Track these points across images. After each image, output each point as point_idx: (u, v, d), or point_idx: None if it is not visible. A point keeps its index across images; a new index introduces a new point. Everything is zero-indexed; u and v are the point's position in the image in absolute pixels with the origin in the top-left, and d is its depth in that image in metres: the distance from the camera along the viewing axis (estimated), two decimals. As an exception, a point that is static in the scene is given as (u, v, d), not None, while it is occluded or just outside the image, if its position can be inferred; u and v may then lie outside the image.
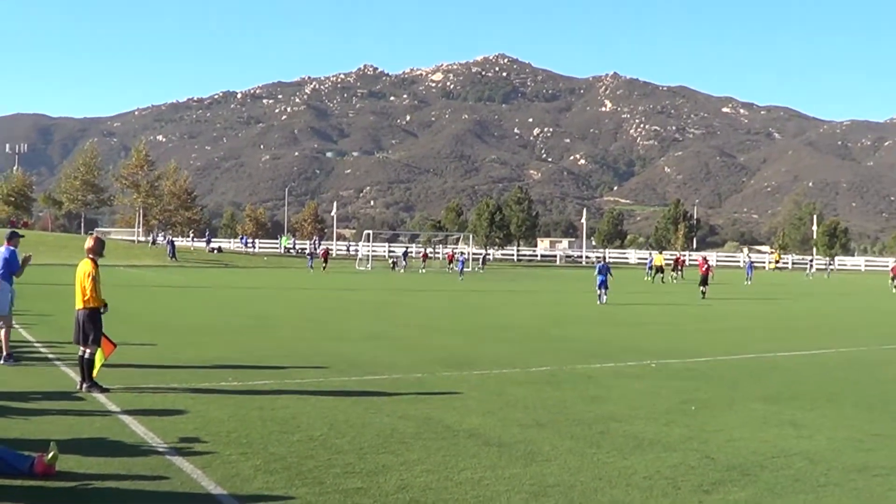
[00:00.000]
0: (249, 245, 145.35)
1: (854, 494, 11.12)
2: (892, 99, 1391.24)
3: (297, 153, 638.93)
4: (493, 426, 14.61)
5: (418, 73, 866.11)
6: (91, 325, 16.54)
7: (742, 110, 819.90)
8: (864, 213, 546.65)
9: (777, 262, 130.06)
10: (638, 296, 59.72)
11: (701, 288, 55.66)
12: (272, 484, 10.77)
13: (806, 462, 12.73)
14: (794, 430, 15.07)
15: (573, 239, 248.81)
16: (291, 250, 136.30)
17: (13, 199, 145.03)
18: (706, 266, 57.95)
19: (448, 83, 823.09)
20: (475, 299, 52.19)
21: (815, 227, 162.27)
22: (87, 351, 16.50)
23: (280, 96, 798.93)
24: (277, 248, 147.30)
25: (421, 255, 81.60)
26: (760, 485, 11.38)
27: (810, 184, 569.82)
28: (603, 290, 47.71)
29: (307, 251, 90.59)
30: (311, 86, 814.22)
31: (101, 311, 16.77)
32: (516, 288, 64.57)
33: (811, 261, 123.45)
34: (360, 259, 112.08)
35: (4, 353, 20.37)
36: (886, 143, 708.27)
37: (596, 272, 48.86)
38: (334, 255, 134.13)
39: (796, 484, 11.51)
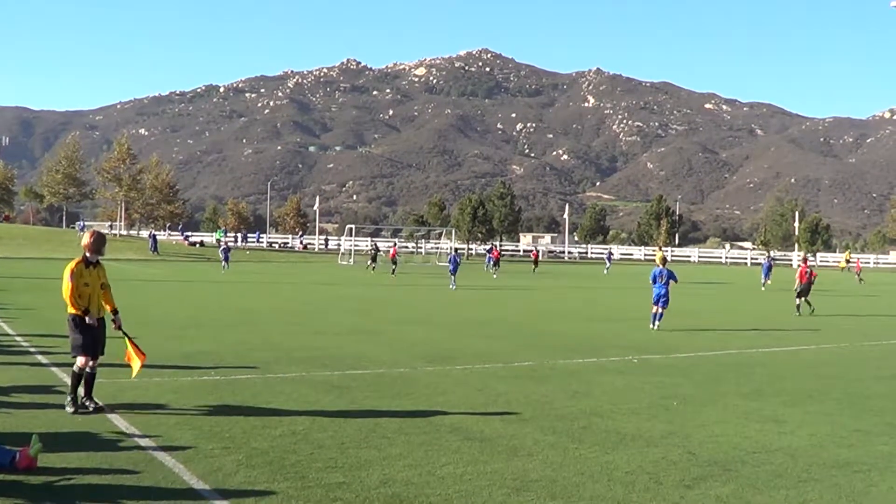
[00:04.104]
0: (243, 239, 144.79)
1: (835, 490, 11.15)
2: (874, 96, 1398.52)
3: (279, 147, 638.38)
4: (475, 421, 14.62)
5: (401, 67, 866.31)
6: (70, 332, 14.83)
7: (725, 106, 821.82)
8: (846, 209, 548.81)
9: (848, 261, 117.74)
10: (623, 291, 59.82)
11: (802, 300, 41.56)
12: (254, 478, 10.77)
13: (787, 457, 12.77)
14: (775, 425, 15.11)
15: (556, 234, 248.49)
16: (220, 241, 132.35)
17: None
18: (808, 271, 42.33)
19: (431, 78, 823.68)
20: (455, 294, 52.15)
21: (796, 224, 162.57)
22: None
23: (263, 90, 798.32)
24: (261, 242, 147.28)
25: (390, 253, 79.56)
26: (742, 480, 11.42)
27: (792, 180, 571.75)
28: (661, 307, 31.88)
29: (221, 247, 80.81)
30: (294, 80, 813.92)
31: (87, 319, 14.58)
32: (498, 283, 64.55)
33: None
34: (343, 254, 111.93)
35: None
36: (868, 140, 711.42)
37: (651, 281, 32.47)
38: (317, 249, 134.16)
39: (777, 479, 11.54)
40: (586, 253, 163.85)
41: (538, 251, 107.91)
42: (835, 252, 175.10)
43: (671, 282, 32.07)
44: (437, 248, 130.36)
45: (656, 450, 12.99)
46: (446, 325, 32.88)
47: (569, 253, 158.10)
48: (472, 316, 37.30)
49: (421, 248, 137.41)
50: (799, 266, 43.10)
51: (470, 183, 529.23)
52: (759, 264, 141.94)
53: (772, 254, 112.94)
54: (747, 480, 11.41)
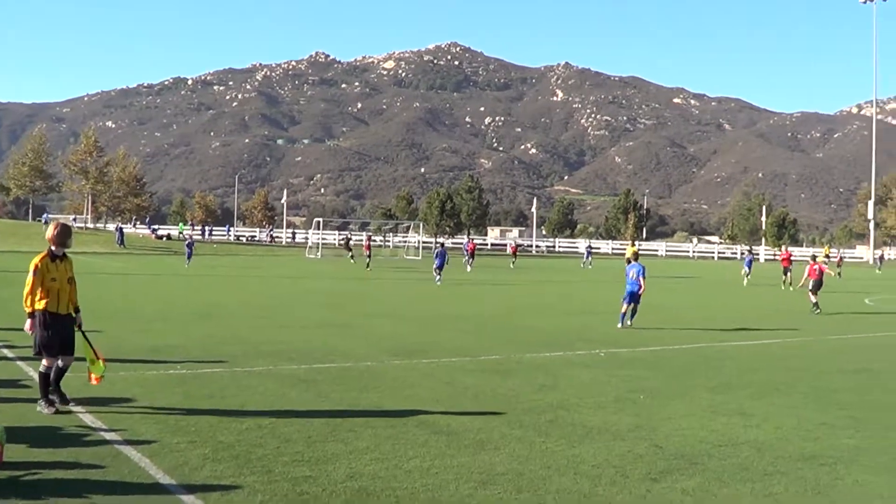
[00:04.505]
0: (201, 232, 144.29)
1: (801, 483, 11.20)
2: (842, 91, 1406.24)
3: (247, 140, 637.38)
4: (442, 415, 14.60)
5: (370, 60, 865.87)
6: (34, 329, 14.21)
7: (693, 101, 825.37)
8: (813, 204, 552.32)
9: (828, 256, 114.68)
10: (595, 285, 59.95)
11: (814, 298, 39.98)
12: (220, 472, 10.73)
13: (753, 451, 12.82)
14: (742, 419, 15.16)
15: (523, 228, 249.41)
16: (182, 236, 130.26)
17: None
18: (817, 266, 41.16)
19: (400, 71, 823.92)
20: (426, 288, 52.14)
21: (764, 218, 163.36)
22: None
23: (231, 83, 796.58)
24: (228, 235, 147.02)
25: (364, 245, 78.29)
26: (708, 473, 11.45)
27: (760, 175, 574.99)
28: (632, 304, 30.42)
29: (186, 242, 79.14)
30: (263, 73, 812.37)
31: (45, 317, 13.95)
32: (467, 277, 64.59)
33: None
34: (310, 247, 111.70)
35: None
36: (836, 136, 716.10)
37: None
38: (284, 242, 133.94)
39: (743, 472, 11.58)
40: (554, 247, 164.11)
41: (516, 245, 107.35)
42: (801, 246, 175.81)
43: (641, 279, 29.83)
44: (405, 241, 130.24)
45: (623, 443, 13.01)
46: (415, 318, 32.86)
47: (536, 247, 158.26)
48: (441, 310, 37.29)
49: (389, 241, 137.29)
50: (808, 263, 42.43)
51: (438, 176, 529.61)
52: (728, 258, 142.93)
53: (752, 248, 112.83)
54: (713, 474, 11.45)
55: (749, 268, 63.90)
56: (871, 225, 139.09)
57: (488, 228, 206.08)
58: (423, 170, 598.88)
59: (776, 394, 17.92)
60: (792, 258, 62.16)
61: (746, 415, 15.53)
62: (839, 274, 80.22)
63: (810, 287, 40.47)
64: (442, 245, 60.12)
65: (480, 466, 11.36)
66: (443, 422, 14.07)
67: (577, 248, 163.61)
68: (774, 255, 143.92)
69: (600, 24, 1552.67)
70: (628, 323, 30.04)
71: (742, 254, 78.01)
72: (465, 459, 11.70)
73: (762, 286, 59.16)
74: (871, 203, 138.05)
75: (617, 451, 12.46)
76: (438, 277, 54.28)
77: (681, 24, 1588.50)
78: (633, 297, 29.96)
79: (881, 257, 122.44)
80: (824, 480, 11.39)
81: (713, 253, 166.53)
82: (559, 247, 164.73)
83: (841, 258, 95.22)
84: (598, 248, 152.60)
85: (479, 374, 19.12)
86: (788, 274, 58.54)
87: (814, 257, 43.51)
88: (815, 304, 39.59)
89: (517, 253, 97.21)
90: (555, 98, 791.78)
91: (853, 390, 18.83)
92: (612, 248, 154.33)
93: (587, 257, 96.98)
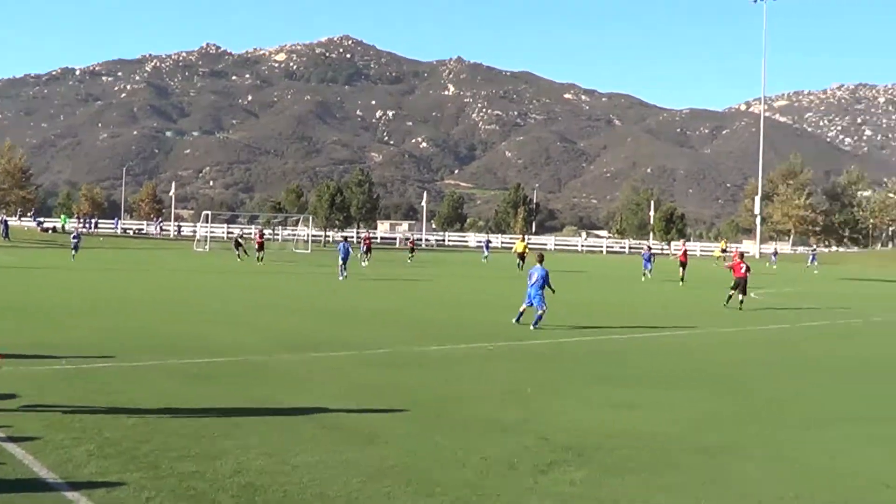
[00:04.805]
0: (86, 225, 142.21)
1: (691, 474, 11.38)
2: (730, 88, 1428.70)
3: (135, 132, 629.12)
4: (333, 409, 14.57)
5: (261, 52, 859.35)
6: None
7: (584, 97, 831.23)
8: (701, 199, 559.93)
9: (724, 251, 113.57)
10: (487, 279, 60.19)
11: (735, 293, 40.27)
12: (106, 469, 10.59)
13: (642, 442, 13.00)
14: (630, 410, 15.35)
15: (413, 222, 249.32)
16: (66, 228, 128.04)
17: None
18: (744, 264, 41.07)
19: (291, 64, 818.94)
20: (317, 282, 51.98)
21: (652, 213, 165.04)
22: None
23: (120, 74, 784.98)
24: (115, 228, 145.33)
25: (256, 239, 76.55)
26: (596, 464, 11.58)
27: (649, 170, 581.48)
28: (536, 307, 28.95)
29: (73, 234, 76.57)
30: (153, 63, 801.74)
31: None
32: (362, 272, 64.50)
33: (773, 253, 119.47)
34: (198, 240, 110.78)
35: None
36: (724, 132, 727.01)
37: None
38: (172, 235, 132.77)
39: (631, 463, 11.74)
40: (444, 240, 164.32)
41: (414, 239, 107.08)
42: (689, 241, 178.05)
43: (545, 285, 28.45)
44: (295, 235, 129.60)
45: (511, 436, 13.09)
46: (307, 312, 32.75)
47: (426, 240, 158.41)
48: (333, 304, 37.23)
49: (278, 235, 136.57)
50: (729, 259, 42.32)
51: (328, 170, 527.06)
52: (616, 252, 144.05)
53: (651, 244, 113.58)
54: (601, 465, 11.58)
55: (649, 264, 64.01)
56: (758, 220, 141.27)
57: (378, 222, 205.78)
58: (313, 163, 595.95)
59: (666, 386, 18.17)
60: (688, 254, 62.29)
61: (635, 407, 15.72)
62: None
63: (733, 283, 40.37)
64: (345, 239, 59.22)
65: (369, 460, 11.36)
66: (333, 416, 14.05)
67: (466, 242, 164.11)
68: (661, 249, 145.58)
69: (493, 19, 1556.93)
70: (531, 327, 27.66)
71: (643, 249, 78.77)
72: (354, 453, 11.69)
73: (661, 282, 59.60)
74: (757, 198, 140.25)
75: (505, 444, 12.54)
76: (344, 274, 52.80)
77: (572, 19, 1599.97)
78: (535, 300, 28.26)
79: (775, 252, 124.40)
80: (713, 471, 11.59)
81: (602, 247, 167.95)
82: (449, 240, 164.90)
83: (738, 252, 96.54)
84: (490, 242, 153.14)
85: (370, 368, 19.13)
86: (683, 269, 58.60)
87: (742, 255, 43.39)
88: (739, 300, 39.53)
89: (414, 247, 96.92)
90: (446, 92, 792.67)
91: (740, 381, 19.19)
92: (502, 242, 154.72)
93: (486, 250, 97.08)
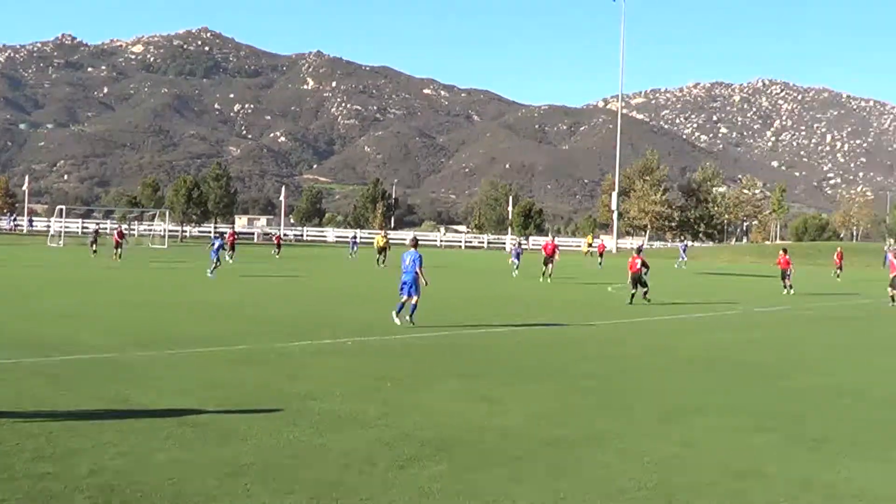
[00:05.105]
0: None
1: (546, 466, 11.48)
2: (588, 85, 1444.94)
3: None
4: (189, 406, 14.41)
5: (118, 44, 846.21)
6: None
7: (443, 92, 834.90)
8: (559, 194, 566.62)
9: (590, 245, 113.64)
10: (348, 276, 60.05)
11: (633, 290, 40.76)
12: (-45, 470, 10.33)
13: (500, 436, 13.07)
14: (488, 405, 15.42)
15: (272, 216, 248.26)
16: None
17: None
18: (639, 259, 41.45)
19: (149, 56, 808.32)
20: (175, 277, 51.46)
21: (510, 208, 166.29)
22: None
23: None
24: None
25: (115, 235, 74.60)
26: (455, 460, 11.63)
27: (507, 165, 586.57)
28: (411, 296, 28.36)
29: None
30: (6, 54, 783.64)
31: None
32: (228, 267, 63.84)
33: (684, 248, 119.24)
34: (52, 235, 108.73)
35: None
36: (582, 129, 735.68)
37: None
38: (25, 230, 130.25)
39: (490, 457, 11.81)
40: (302, 235, 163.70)
41: (280, 235, 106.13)
42: (547, 236, 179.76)
43: (418, 268, 27.65)
44: (151, 230, 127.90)
45: (371, 431, 13.09)
46: (164, 308, 32.31)
47: (284, 235, 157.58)
48: (191, 299, 36.89)
49: (134, 230, 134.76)
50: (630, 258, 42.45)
51: (185, 164, 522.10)
52: (475, 247, 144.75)
53: (520, 239, 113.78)
54: (460, 459, 11.63)
55: (518, 259, 63.82)
56: (615, 215, 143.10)
57: (236, 217, 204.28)
58: (170, 157, 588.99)
59: (523, 380, 18.31)
60: (557, 249, 61.97)
61: (494, 401, 15.81)
62: (600, 263, 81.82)
63: (631, 280, 40.79)
64: (221, 235, 58.23)
65: (227, 458, 11.26)
66: (190, 413, 13.88)
67: (325, 237, 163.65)
68: (519, 244, 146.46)
69: (352, 13, 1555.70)
70: (407, 319, 27.30)
71: (511, 245, 78.22)
72: (212, 451, 11.58)
73: (529, 278, 59.83)
74: (614, 194, 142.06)
75: (365, 440, 12.53)
76: (212, 269, 51.51)
77: (432, 14, 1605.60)
78: (411, 288, 27.40)
79: (686, 247, 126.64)
80: (569, 462, 11.71)
81: (460, 242, 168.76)
82: (307, 236, 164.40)
83: (602, 246, 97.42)
84: (347, 238, 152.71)
85: (228, 365, 18.94)
86: (549, 265, 57.99)
87: (639, 250, 43.89)
88: (643, 294, 40.14)
89: (281, 243, 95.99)
90: (305, 86, 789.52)
91: (597, 375, 19.42)
92: (361, 238, 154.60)
93: (353, 247, 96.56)
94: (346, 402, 15.21)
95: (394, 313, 27.48)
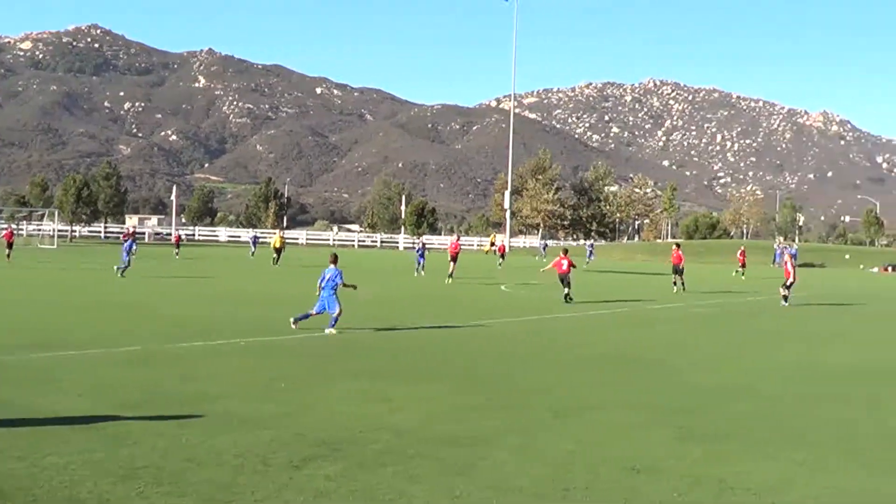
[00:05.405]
0: None
1: (441, 464, 11.53)
2: (480, 85, 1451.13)
3: None
4: (82, 409, 14.24)
5: (5, 40, 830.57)
6: None
7: (336, 91, 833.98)
8: (452, 193, 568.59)
9: (492, 244, 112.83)
10: (248, 275, 59.71)
11: (566, 290, 41.30)
12: None
13: (395, 435, 13.10)
14: (385, 404, 15.44)
15: (163, 216, 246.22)
16: None
17: None
18: (565, 260, 41.90)
19: (37, 52, 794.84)
20: (68, 277, 50.78)
21: (403, 207, 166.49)
22: None
23: None
24: None
25: (4, 234, 72.87)
26: (350, 458, 11.61)
27: (400, 164, 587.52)
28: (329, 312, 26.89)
29: None
30: None
31: None
32: (106, 265, 63.11)
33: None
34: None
35: None
36: (474, 128, 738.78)
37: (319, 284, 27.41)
38: None
39: (385, 456, 11.81)
40: (194, 235, 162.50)
41: (180, 235, 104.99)
42: (440, 234, 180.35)
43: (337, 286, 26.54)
44: (40, 230, 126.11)
45: (266, 431, 13.02)
46: (56, 309, 31.94)
47: (170, 235, 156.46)
48: (84, 300, 36.46)
49: (22, 229, 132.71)
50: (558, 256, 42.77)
51: (75, 163, 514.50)
52: (368, 246, 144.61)
53: (423, 239, 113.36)
54: (355, 459, 11.62)
55: (422, 259, 63.25)
56: (508, 214, 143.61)
57: (127, 216, 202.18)
58: (59, 155, 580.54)
59: (418, 379, 18.35)
60: (460, 249, 61.57)
61: (388, 400, 15.83)
62: (500, 264, 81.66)
63: (561, 280, 41.24)
64: (133, 237, 57.33)
65: (120, 460, 11.12)
66: (82, 416, 13.70)
67: (217, 236, 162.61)
68: (412, 243, 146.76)
69: (244, 11, 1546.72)
70: (331, 330, 26.06)
71: (416, 244, 78.14)
72: (105, 454, 11.41)
73: (432, 277, 59.76)
74: (507, 193, 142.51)
75: (260, 440, 12.46)
76: (123, 267, 50.40)
77: (324, 13, 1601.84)
78: (325, 304, 26.25)
79: (545, 245, 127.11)
80: (465, 461, 11.74)
81: (354, 241, 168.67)
82: (199, 235, 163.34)
83: (503, 246, 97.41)
84: (239, 237, 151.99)
85: (121, 366, 18.72)
86: (453, 265, 57.29)
87: (565, 251, 43.74)
88: (567, 295, 40.50)
89: (180, 243, 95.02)
90: (197, 84, 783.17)
91: (491, 373, 19.55)
92: (261, 237, 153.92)
93: (254, 246, 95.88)
94: (240, 403, 15.13)
95: (293, 319, 26.49)
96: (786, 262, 45.56)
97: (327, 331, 25.84)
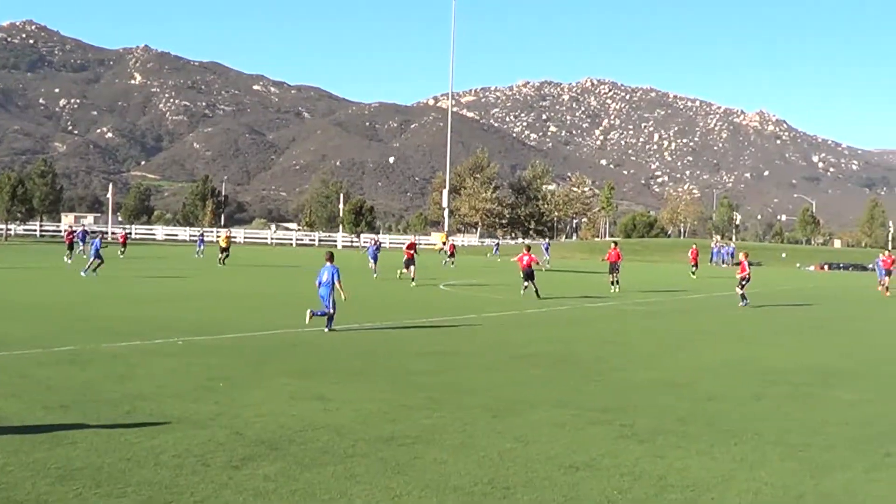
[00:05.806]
0: None
1: (381, 463, 11.52)
2: (418, 84, 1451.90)
3: None
4: (16, 410, 14.12)
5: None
6: None
7: (273, 88, 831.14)
8: (390, 192, 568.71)
9: (444, 243, 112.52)
10: (185, 274, 59.36)
11: (531, 283, 43.00)
12: None
13: (334, 434, 13.08)
14: (322, 403, 15.41)
15: (99, 214, 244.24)
16: None
17: None
18: (527, 257, 43.97)
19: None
20: (2, 276, 50.36)
21: (341, 206, 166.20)
22: None
23: None
24: None
25: None
26: (289, 458, 11.60)
27: (338, 163, 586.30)
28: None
29: None
30: None
31: None
32: (41, 264, 62.62)
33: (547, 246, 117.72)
34: None
35: None
36: (412, 126, 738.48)
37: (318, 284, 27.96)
38: None
39: (324, 456, 11.80)
40: (130, 233, 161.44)
41: (126, 234, 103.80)
42: (378, 233, 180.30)
43: (336, 283, 27.04)
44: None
45: (204, 432, 12.97)
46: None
47: (112, 234, 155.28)
48: (17, 300, 36.06)
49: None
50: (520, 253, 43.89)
51: (9, 160, 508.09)
52: (306, 245, 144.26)
53: (376, 237, 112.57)
54: (294, 458, 11.61)
55: (374, 260, 62.45)
56: (446, 213, 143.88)
57: (62, 215, 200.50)
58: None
59: (356, 378, 18.36)
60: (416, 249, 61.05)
61: (326, 399, 15.80)
62: (453, 263, 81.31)
63: (523, 276, 43.30)
64: (101, 237, 56.54)
65: (57, 461, 11.04)
66: (17, 417, 13.60)
67: (154, 235, 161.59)
68: (351, 242, 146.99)
69: (181, 7, 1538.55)
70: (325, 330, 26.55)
71: (365, 243, 77.30)
72: (41, 455, 11.33)
73: (386, 278, 59.63)
74: (445, 192, 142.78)
75: (198, 440, 12.41)
76: (89, 267, 49.85)
77: (261, 11, 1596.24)
78: (328, 302, 26.81)
79: (498, 244, 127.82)
80: (403, 459, 11.76)
81: (291, 240, 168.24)
82: (136, 234, 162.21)
83: (453, 245, 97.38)
84: (176, 235, 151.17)
85: (55, 366, 18.57)
86: (412, 267, 56.08)
87: (528, 247, 45.27)
88: (526, 288, 42.86)
89: (126, 242, 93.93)
90: (133, 81, 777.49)
91: (429, 372, 19.55)
92: (190, 235, 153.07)
93: (200, 245, 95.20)
94: (177, 403, 15.06)
95: (310, 311, 26.93)
96: (741, 260, 45.59)
97: (307, 318, 26.62)
